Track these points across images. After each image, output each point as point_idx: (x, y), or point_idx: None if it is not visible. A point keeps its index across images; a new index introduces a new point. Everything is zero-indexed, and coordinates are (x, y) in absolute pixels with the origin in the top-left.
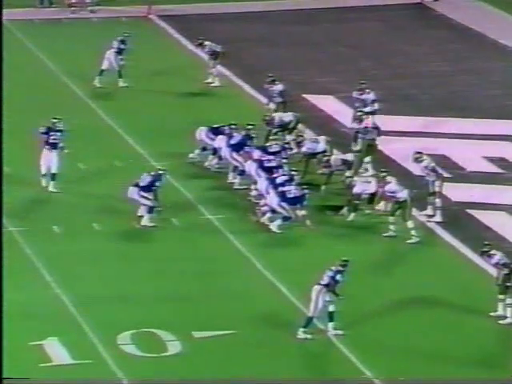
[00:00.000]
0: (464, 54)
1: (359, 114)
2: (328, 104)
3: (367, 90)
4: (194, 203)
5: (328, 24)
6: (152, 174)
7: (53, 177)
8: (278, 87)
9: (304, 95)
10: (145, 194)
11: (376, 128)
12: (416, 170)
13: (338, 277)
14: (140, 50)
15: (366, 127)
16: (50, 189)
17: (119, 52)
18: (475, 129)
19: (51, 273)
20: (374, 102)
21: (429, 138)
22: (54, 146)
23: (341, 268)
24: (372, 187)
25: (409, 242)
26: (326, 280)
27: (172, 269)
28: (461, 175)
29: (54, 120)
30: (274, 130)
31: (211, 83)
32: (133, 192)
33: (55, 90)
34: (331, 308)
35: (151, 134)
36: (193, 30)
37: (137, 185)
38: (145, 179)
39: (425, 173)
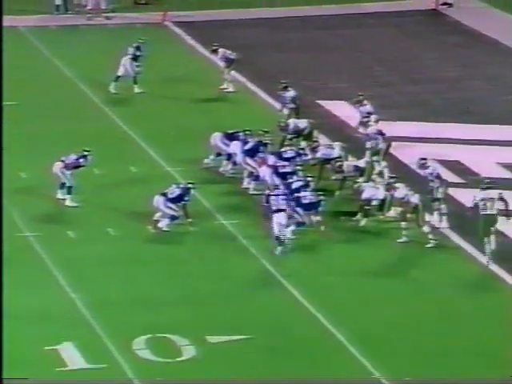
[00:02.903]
0: (478, 60)
1: (365, 119)
2: (342, 110)
3: (364, 102)
4: (208, 208)
5: (342, 30)
6: (181, 186)
7: (69, 190)
8: (290, 93)
9: (318, 101)
10: (171, 206)
11: (381, 134)
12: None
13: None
14: (155, 57)
15: (367, 134)
16: (67, 203)
17: (135, 58)
18: (489, 134)
19: (66, 277)
20: (369, 114)
21: (442, 143)
22: (75, 168)
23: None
24: (380, 193)
25: (428, 246)
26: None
27: (187, 273)
28: (474, 181)
29: (85, 152)
30: (289, 137)
31: (226, 89)
32: (159, 201)
33: (71, 97)
34: None
35: (166, 140)
36: (208, 36)
37: (164, 194)
38: (174, 192)
39: (429, 179)
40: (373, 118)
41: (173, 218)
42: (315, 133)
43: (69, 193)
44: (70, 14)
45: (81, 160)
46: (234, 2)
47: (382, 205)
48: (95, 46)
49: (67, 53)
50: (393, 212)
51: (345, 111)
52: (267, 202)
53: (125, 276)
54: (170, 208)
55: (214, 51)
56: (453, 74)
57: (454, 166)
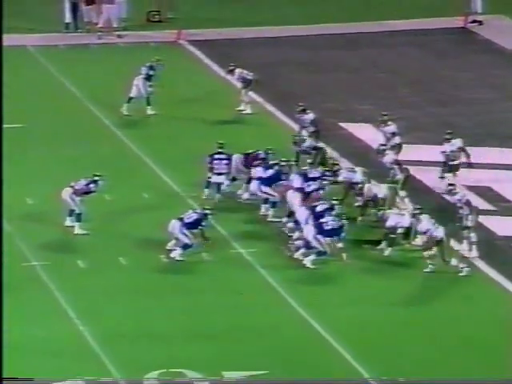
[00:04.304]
0: (509, 81)
1: (382, 147)
2: (365, 133)
3: (389, 123)
4: (224, 236)
5: (366, 49)
6: (198, 211)
7: (78, 217)
8: (309, 116)
9: (340, 123)
10: (187, 232)
11: (397, 164)
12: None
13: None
14: (169, 76)
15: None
16: (76, 231)
17: (148, 78)
18: None
19: (75, 309)
20: (394, 134)
21: (472, 168)
22: (85, 194)
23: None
24: (406, 221)
25: (461, 274)
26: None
27: (201, 304)
28: (506, 208)
29: (96, 177)
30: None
31: (243, 111)
32: (175, 226)
33: (80, 119)
34: None
35: (180, 163)
36: (224, 55)
37: (181, 219)
38: (191, 216)
39: (458, 206)
40: (396, 139)
41: (186, 246)
42: (335, 156)
43: (78, 220)
44: (80, 33)
45: (91, 185)
46: (251, 21)
47: (408, 233)
48: (106, 65)
49: (77, 73)
50: (419, 240)
51: (369, 134)
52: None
53: (137, 307)
54: (185, 235)
55: (231, 71)
56: (482, 96)
57: (485, 193)
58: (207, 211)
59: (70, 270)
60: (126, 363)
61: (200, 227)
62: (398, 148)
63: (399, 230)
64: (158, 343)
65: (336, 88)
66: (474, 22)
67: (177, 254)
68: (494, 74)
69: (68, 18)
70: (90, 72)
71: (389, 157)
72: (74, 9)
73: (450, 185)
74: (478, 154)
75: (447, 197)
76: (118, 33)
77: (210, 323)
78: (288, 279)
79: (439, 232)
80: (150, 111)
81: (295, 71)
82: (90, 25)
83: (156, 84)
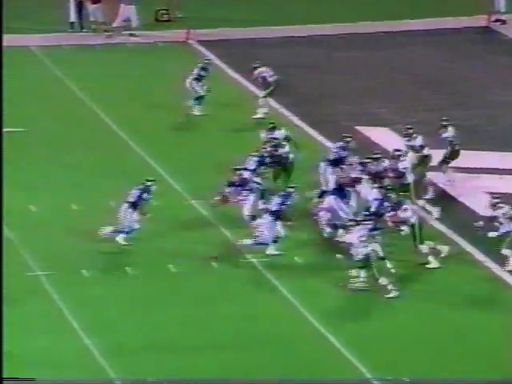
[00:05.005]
0: None
1: (397, 153)
2: (382, 136)
3: (414, 135)
4: (235, 245)
5: (383, 49)
6: (139, 187)
7: (129, 232)
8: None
9: (357, 127)
10: (134, 216)
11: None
12: (482, 209)
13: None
14: (177, 77)
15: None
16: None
17: (198, 79)
18: None
19: (80, 320)
20: (422, 147)
21: (495, 174)
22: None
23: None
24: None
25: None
26: None
27: (209, 315)
28: None
29: (148, 183)
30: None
31: (260, 117)
32: (122, 210)
33: (85, 122)
34: None
35: (189, 169)
36: (234, 56)
37: (127, 201)
38: (134, 194)
39: (500, 220)
40: (425, 151)
41: (130, 231)
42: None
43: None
44: (86, 32)
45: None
46: (263, 20)
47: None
48: (113, 66)
49: (82, 74)
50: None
51: (385, 138)
52: None
53: (144, 319)
54: (132, 219)
55: (254, 69)
56: (507, 98)
57: (510, 201)
58: (148, 183)
59: (74, 280)
60: (132, 376)
61: (143, 200)
62: (427, 160)
63: (410, 222)
64: (165, 355)
65: (351, 90)
66: (497, 20)
67: (121, 238)
68: None
69: (73, 17)
70: (95, 73)
71: (403, 163)
72: (80, 8)
73: (495, 197)
74: (502, 159)
75: (490, 210)
76: (130, 32)
77: (218, 334)
78: (299, 288)
79: (413, 218)
80: (197, 112)
81: (308, 72)
82: (95, 24)
83: (207, 86)
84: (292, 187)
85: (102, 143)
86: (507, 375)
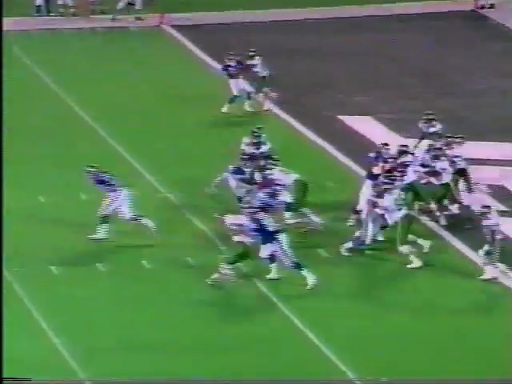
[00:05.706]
0: None
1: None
2: (365, 126)
3: (434, 122)
4: (211, 239)
5: (365, 34)
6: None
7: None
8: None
9: (338, 116)
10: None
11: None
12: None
13: None
14: (150, 64)
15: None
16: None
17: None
18: None
19: (50, 320)
20: (457, 157)
21: (484, 165)
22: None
23: None
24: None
25: (409, 266)
26: None
27: (185, 313)
28: None
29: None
30: None
31: (267, 110)
32: None
33: (57, 113)
34: None
35: (164, 162)
36: (210, 42)
37: None
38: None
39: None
40: (459, 161)
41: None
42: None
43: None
44: (53, 16)
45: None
46: (241, 3)
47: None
48: (83, 52)
49: (50, 61)
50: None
51: (369, 128)
52: None
53: (116, 317)
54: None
55: (251, 58)
56: (495, 86)
57: (498, 192)
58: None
59: (43, 277)
60: (102, 375)
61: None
62: (462, 173)
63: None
64: (142, 357)
65: (334, 76)
66: (483, 7)
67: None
68: (506, 61)
69: (39, 0)
70: (64, 60)
71: (442, 163)
72: None
73: (484, 207)
74: (491, 149)
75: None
76: (137, 15)
77: (199, 334)
78: (288, 293)
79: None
80: (225, 109)
81: (287, 59)
82: (64, 7)
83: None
84: None
85: (74, 136)
86: (507, 376)
